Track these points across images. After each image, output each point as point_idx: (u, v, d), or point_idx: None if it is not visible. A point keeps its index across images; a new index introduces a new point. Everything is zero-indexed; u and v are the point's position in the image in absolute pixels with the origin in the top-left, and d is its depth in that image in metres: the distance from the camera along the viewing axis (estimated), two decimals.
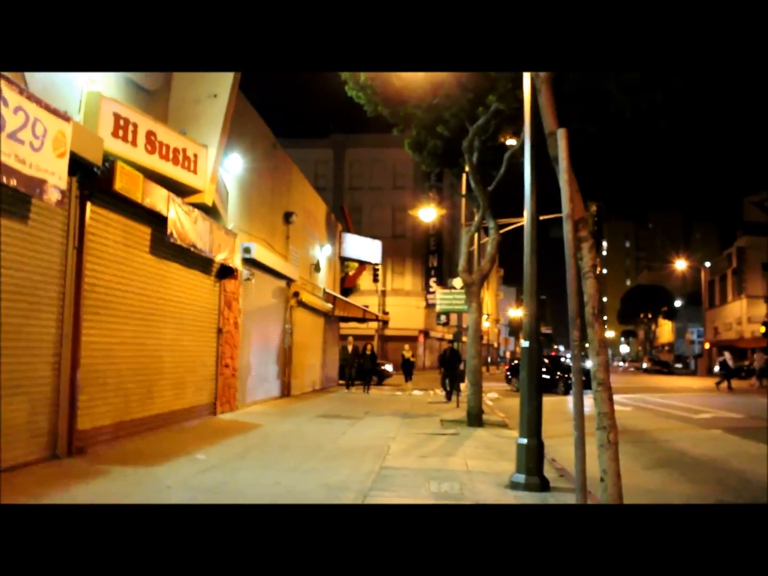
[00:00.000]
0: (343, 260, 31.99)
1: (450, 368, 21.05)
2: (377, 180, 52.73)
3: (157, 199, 9.96)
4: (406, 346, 25.68)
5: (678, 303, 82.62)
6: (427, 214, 24.45)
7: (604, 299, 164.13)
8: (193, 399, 12.45)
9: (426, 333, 51.90)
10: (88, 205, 8.68)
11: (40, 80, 8.01)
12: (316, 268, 24.92)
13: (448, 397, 20.42)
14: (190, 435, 10.88)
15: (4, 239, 7.20)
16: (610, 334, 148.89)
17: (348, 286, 34.03)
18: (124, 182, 8.89)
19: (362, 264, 34.83)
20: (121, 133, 9.24)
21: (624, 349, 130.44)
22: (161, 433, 10.74)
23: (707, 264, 64.25)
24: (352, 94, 14.22)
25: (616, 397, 19.99)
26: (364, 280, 40.20)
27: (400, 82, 13.58)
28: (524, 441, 7.57)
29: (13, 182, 6.76)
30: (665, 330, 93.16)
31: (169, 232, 10.32)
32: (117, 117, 9.15)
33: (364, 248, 33.51)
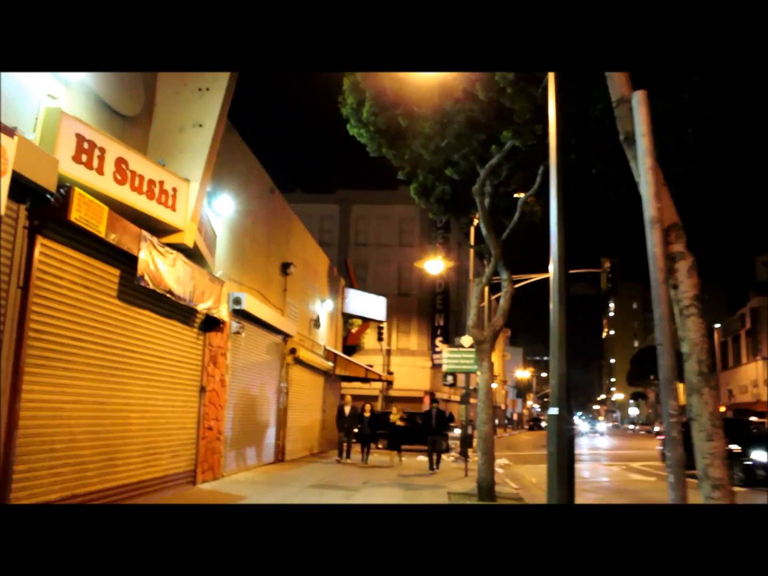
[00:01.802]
0: (346, 317, 30.67)
1: (437, 432, 17.95)
2: (383, 237, 51.87)
3: (126, 235, 8.69)
4: (394, 408, 21.54)
5: None
6: (434, 266, 23.13)
7: (612, 360, 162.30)
8: (167, 466, 10.94)
9: (432, 394, 50.11)
10: (39, 238, 7.39)
11: None
12: (317, 323, 23.57)
13: (433, 466, 17.60)
14: None
15: None
16: (619, 396, 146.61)
17: (351, 344, 32.61)
18: (83, 212, 7.63)
19: (366, 321, 33.49)
20: (84, 157, 8.03)
21: (633, 411, 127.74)
22: None
23: (717, 325, 62.72)
24: (353, 132, 13.12)
25: (635, 466, 18.30)
26: (369, 339, 38.83)
27: (406, 121, 12.49)
28: None
29: None
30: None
31: (139, 274, 9.02)
32: (80, 139, 7.96)
33: (369, 305, 32.22)
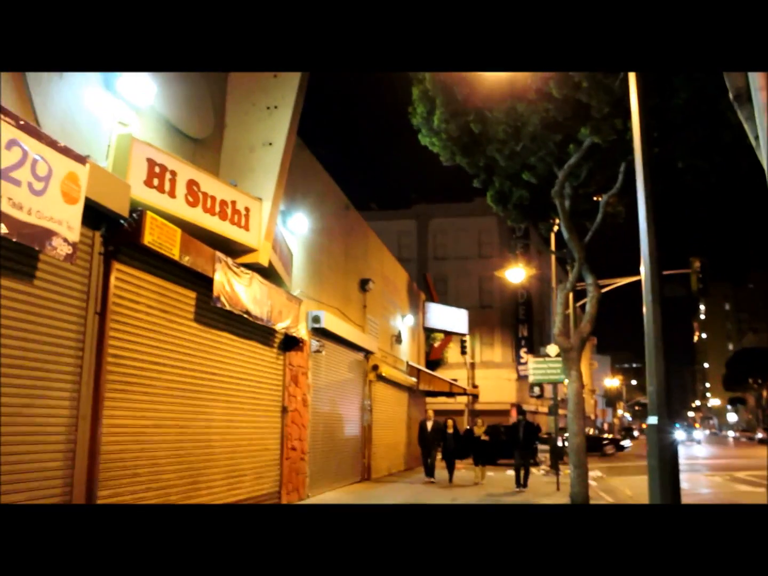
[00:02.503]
0: (428, 331, 30.35)
1: (525, 447, 16.53)
2: (462, 249, 51.33)
3: (201, 257, 8.67)
4: (479, 421, 18.73)
5: None
6: (515, 275, 22.53)
7: (705, 365, 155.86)
8: (251, 489, 10.85)
9: (519, 406, 49.02)
10: (114, 263, 7.42)
11: (57, 119, 6.93)
12: (398, 339, 23.33)
13: (520, 483, 16.06)
14: None
15: (3, 302, 5.96)
16: (715, 402, 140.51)
17: (434, 359, 32.27)
18: (156, 236, 7.62)
19: (448, 335, 33.11)
20: (156, 181, 8.06)
21: (732, 417, 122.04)
22: None
23: None
24: (425, 142, 12.89)
25: (740, 476, 17.13)
26: (452, 353, 38.40)
27: (478, 127, 12.16)
28: None
29: (2, 229, 5.52)
30: None
31: (215, 295, 8.98)
32: (152, 163, 7.99)
33: (450, 318, 31.81)
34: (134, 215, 7.39)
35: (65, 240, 6.29)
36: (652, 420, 5.84)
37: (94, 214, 7.03)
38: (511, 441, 16.95)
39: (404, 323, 24.52)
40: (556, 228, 17.67)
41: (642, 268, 6.41)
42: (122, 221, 7.33)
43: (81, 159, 6.55)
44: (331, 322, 14.26)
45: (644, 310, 6.29)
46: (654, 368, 6.00)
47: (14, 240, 5.70)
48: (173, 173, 8.33)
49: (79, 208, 6.45)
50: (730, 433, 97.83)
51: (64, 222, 6.27)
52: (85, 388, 6.99)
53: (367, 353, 18.20)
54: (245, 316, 9.88)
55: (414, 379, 23.59)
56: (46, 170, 6.05)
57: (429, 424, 18.29)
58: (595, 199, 14.00)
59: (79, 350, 6.96)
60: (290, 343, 12.46)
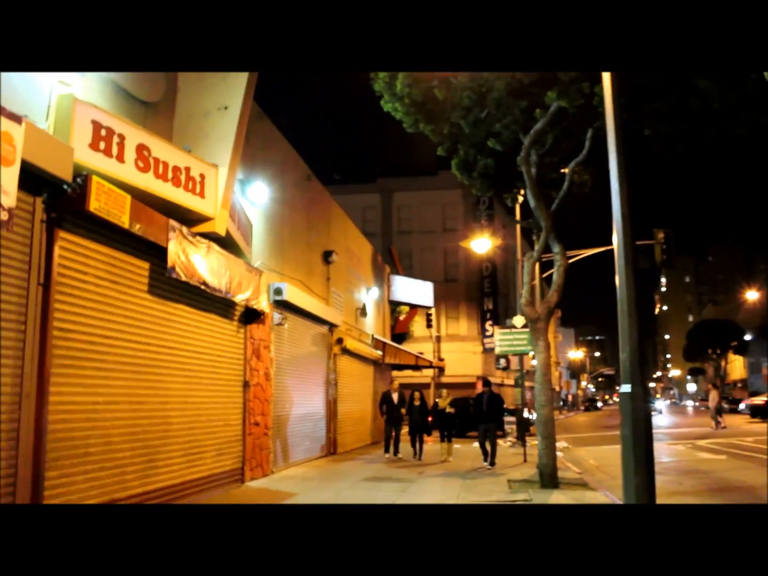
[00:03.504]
0: (393, 304, 30.10)
1: (490, 420, 15.15)
2: (427, 223, 51.18)
3: (153, 226, 8.24)
4: (444, 392, 17.27)
5: (748, 337, 78.02)
6: (481, 245, 22.23)
7: (666, 336, 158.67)
8: (213, 465, 10.53)
9: (484, 378, 49.16)
10: (58, 232, 6.97)
11: None
12: (363, 312, 23.05)
13: (487, 458, 14.84)
14: None
15: None
16: (676, 372, 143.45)
17: (399, 332, 32.05)
18: (103, 202, 7.18)
19: (414, 308, 32.89)
20: (102, 145, 7.58)
21: (691, 387, 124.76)
22: None
23: None
24: (388, 108, 12.49)
25: (702, 444, 17.28)
26: (418, 327, 38.25)
27: (442, 93, 11.82)
28: None
29: None
30: (736, 366, 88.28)
31: (170, 266, 8.57)
32: (97, 126, 7.52)
33: (415, 291, 31.57)
34: (78, 180, 6.93)
35: (0, 205, 5.84)
36: (626, 388, 5.63)
37: (34, 179, 6.57)
38: (475, 414, 15.71)
39: (369, 296, 24.24)
40: (521, 199, 17.45)
41: (614, 232, 6.18)
42: (65, 186, 6.87)
43: (16, 118, 6.07)
44: (293, 294, 13.91)
45: (617, 276, 6.07)
46: (627, 335, 5.78)
47: None
48: (121, 137, 7.86)
49: (14, 171, 5.99)
50: (690, 403, 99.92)
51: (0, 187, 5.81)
52: (29, 364, 6.57)
53: (332, 326, 17.90)
54: (202, 287, 9.49)
55: (379, 353, 23.37)
56: None
57: (394, 396, 17.28)
58: (561, 171, 13.80)
59: (21, 323, 6.53)
60: (251, 316, 12.10)
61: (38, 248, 6.74)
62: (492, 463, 14.56)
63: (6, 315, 6.35)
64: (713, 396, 30.73)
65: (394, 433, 16.98)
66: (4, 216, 5.92)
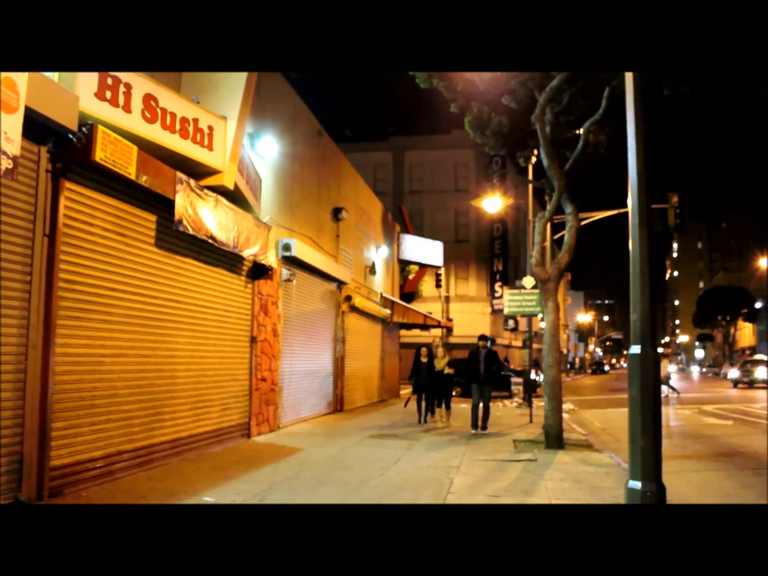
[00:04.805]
0: (403, 263, 29.98)
1: (486, 382, 13.56)
2: (438, 183, 50.80)
3: (160, 178, 8.13)
4: (440, 351, 15.01)
5: (759, 304, 77.67)
6: (492, 204, 21.93)
7: (676, 302, 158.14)
8: (219, 420, 10.58)
9: (492, 340, 49.33)
10: (63, 182, 6.87)
11: None
12: (372, 270, 22.97)
13: (475, 425, 13.42)
14: (209, 465, 8.98)
15: None
16: (684, 338, 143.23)
17: (408, 291, 32.00)
18: (110, 152, 7.06)
19: (423, 267, 32.78)
20: (108, 94, 7.45)
21: (699, 353, 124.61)
22: (174, 463, 8.89)
23: None
24: None
25: (708, 409, 17.13)
26: (427, 287, 38.20)
27: None
28: (637, 485, 5.34)
29: None
30: (746, 333, 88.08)
31: (177, 218, 8.48)
32: (103, 74, 7.37)
33: (425, 250, 31.41)
34: (84, 129, 6.80)
35: (4, 153, 5.74)
36: (635, 349, 5.54)
37: (39, 128, 6.45)
38: (469, 373, 13.86)
39: (378, 254, 24.13)
40: (534, 159, 17.17)
41: (629, 192, 6.02)
42: (70, 136, 6.75)
43: None
44: (302, 250, 13.83)
45: (630, 236, 5.93)
46: (639, 296, 5.66)
47: None
48: (128, 86, 7.71)
49: (18, 118, 5.87)
50: (697, 368, 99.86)
51: (1, 133, 5.70)
52: (35, 314, 6.54)
53: (340, 284, 17.85)
54: (210, 241, 9.41)
55: (388, 311, 23.35)
56: None
57: (423, 359, 15.16)
58: (576, 132, 13.54)
59: (27, 274, 6.48)
60: (259, 272, 12.03)
61: (43, 198, 6.65)
62: (484, 428, 13.41)
63: (11, 265, 6.29)
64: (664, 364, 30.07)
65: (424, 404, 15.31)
66: (9, 164, 5.82)
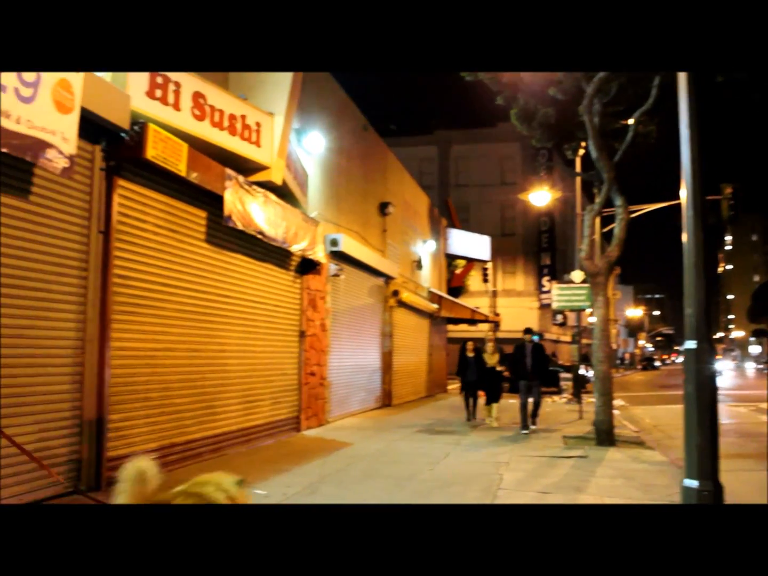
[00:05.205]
0: (449, 258, 29.88)
1: (535, 376, 12.87)
2: (484, 176, 50.39)
3: (209, 174, 8.25)
4: (489, 346, 14.14)
5: None
6: (540, 197, 21.64)
7: (730, 297, 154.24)
8: (269, 414, 10.70)
9: (540, 335, 48.82)
10: (117, 180, 7.03)
11: None
12: (419, 265, 22.95)
13: (525, 425, 12.64)
14: (259, 458, 9.11)
15: (1, 219, 5.62)
16: (738, 333, 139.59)
17: (455, 286, 31.91)
18: (161, 150, 7.20)
19: (470, 262, 32.64)
20: (158, 93, 7.59)
21: (754, 349, 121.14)
22: (226, 456, 9.03)
23: None
24: None
25: (764, 406, 16.51)
26: (474, 281, 38.00)
27: None
28: (693, 484, 5.22)
29: None
30: None
31: (226, 214, 8.60)
32: (153, 73, 7.50)
33: (472, 245, 31.27)
34: (135, 128, 6.95)
35: (61, 152, 5.89)
36: (690, 344, 5.41)
37: (93, 127, 6.61)
38: (514, 368, 13.25)
39: (425, 249, 24.09)
40: (582, 151, 16.93)
41: (682, 183, 5.88)
42: (123, 134, 6.90)
43: None
44: (349, 245, 13.88)
45: (684, 228, 5.78)
46: (693, 289, 5.51)
47: (3, 151, 5.31)
48: (177, 84, 7.84)
49: (74, 119, 6.03)
50: (752, 365, 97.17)
51: (59, 133, 5.85)
52: (91, 309, 6.71)
53: (388, 278, 17.87)
54: (259, 236, 9.51)
55: (435, 306, 23.30)
56: (34, 76, 5.60)
57: (470, 354, 14.47)
58: (623, 122, 13.30)
59: (83, 270, 6.66)
60: (307, 267, 12.12)
61: (98, 196, 6.82)
62: (533, 421, 12.86)
63: (69, 262, 6.48)
64: None
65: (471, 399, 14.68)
66: (65, 163, 5.98)
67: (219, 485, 2.31)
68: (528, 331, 13.65)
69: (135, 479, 2.28)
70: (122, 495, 2.24)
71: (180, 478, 7.33)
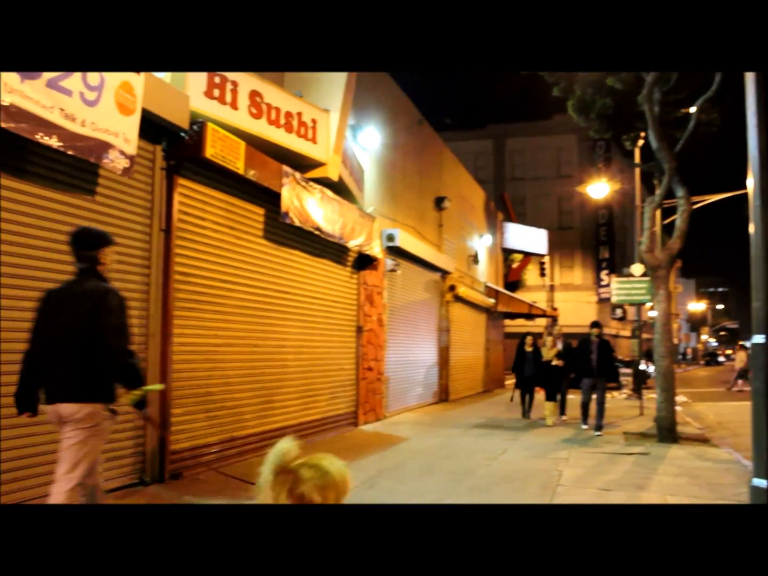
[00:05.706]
0: (506, 252, 29.62)
1: (601, 373, 11.99)
2: (540, 169, 49.71)
3: (267, 171, 8.34)
4: (548, 340, 13.82)
5: None
6: (598, 190, 21.18)
7: None
8: (327, 408, 10.78)
9: (594, 322, 47.70)
10: (177, 179, 7.17)
11: None
12: (475, 260, 22.80)
13: (585, 420, 12.34)
14: (318, 452, 9.17)
15: (65, 218, 5.79)
16: None
17: (512, 280, 31.63)
18: (219, 148, 7.31)
19: (527, 256, 32.30)
20: (216, 92, 7.70)
21: None
22: None
23: None
24: None
25: None
26: (531, 276, 37.60)
27: None
28: (762, 483, 5.06)
29: (54, 141, 5.29)
30: None
31: (283, 211, 8.68)
32: (211, 73, 7.62)
33: (529, 238, 30.93)
34: (194, 127, 7.08)
35: (122, 153, 6.04)
36: (759, 339, 5.23)
37: (153, 128, 6.75)
38: (578, 364, 12.43)
39: (481, 243, 23.92)
40: (641, 142, 16.55)
41: (749, 172, 5.69)
42: (182, 134, 7.03)
43: None
44: (406, 240, 13.87)
45: (751, 218, 5.59)
46: (762, 282, 5.33)
47: (69, 153, 5.47)
48: (234, 84, 7.95)
49: (135, 120, 6.17)
50: None
51: (121, 134, 6.00)
52: (154, 305, 6.86)
53: (444, 273, 17.80)
54: (316, 232, 9.58)
55: (492, 300, 23.12)
56: (98, 79, 5.74)
57: (528, 348, 13.99)
58: (686, 110, 12.93)
59: (146, 267, 6.81)
60: (364, 262, 12.16)
61: (159, 195, 6.97)
62: (599, 427, 11.76)
63: (133, 259, 6.63)
64: (741, 357, 27.69)
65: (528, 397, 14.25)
66: (126, 163, 6.12)
67: (332, 462, 2.67)
68: (595, 324, 12.68)
69: (278, 453, 2.62)
70: (267, 465, 2.60)
71: (241, 472, 7.41)
